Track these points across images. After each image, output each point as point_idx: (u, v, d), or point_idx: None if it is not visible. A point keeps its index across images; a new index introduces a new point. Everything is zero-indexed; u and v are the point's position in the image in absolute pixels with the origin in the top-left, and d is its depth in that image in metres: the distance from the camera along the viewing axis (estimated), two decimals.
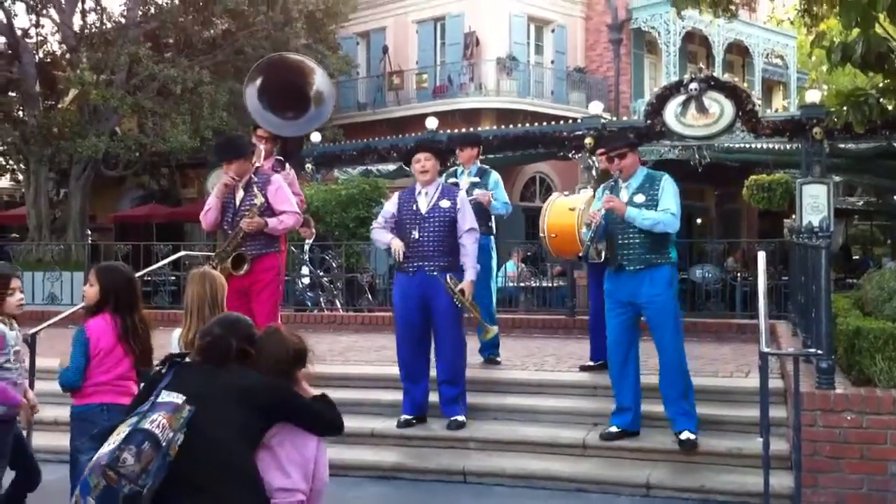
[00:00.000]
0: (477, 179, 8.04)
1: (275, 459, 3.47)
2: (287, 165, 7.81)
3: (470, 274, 6.71)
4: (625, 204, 6.24)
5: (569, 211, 7.57)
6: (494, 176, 8.16)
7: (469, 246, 6.72)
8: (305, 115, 8.00)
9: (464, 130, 17.14)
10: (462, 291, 6.62)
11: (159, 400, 3.23)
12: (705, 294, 12.87)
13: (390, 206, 6.95)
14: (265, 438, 3.46)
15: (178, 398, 3.22)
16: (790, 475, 5.67)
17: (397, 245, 6.72)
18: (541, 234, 7.63)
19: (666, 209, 6.21)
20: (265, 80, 7.96)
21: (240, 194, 6.93)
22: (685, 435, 6.17)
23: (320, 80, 8.06)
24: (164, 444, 3.09)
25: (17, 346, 4.89)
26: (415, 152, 6.89)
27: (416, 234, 6.69)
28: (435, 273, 6.63)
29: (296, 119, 7.98)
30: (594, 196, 7.33)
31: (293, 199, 7.09)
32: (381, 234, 6.89)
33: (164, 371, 3.43)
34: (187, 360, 3.52)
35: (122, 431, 3.14)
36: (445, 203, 6.73)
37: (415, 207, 6.76)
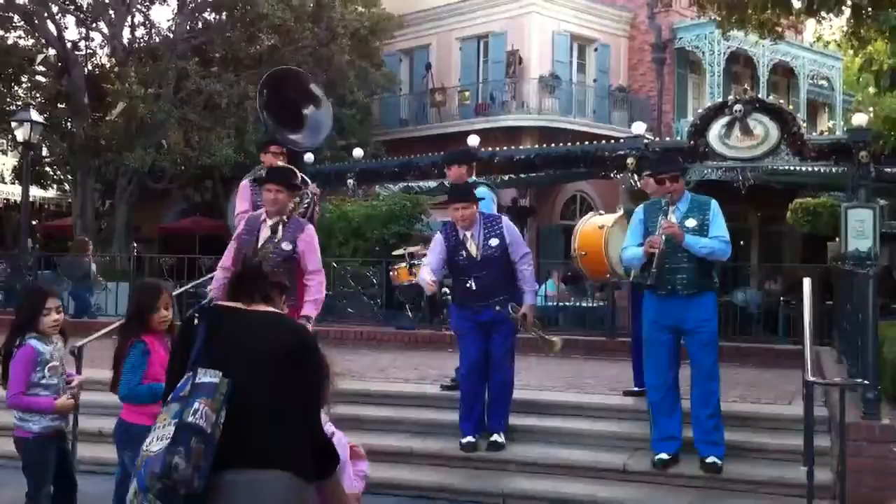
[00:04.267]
0: None
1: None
2: (308, 180, 7.64)
3: (529, 297, 6.76)
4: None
5: (597, 229, 7.57)
6: (482, 190, 7.53)
7: (525, 270, 6.75)
8: (303, 132, 8.10)
9: (504, 148, 17.18)
10: (524, 316, 6.65)
11: (198, 380, 2.99)
12: (747, 318, 12.74)
13: (437, 250, 6.82)
14: None
15: (215, 376, 2.99)
16: None
17: (426, 283, 6.63)
18: (572, 253, 7.67)
19: (718, 236, 6.20)
20: (272, 95, 8.04)
21: (265, 233, 6.33)
22: (711, 459, 6.15)
23: (315, 100, 8.15)
24: (209, 432, 2.91)
25: (53, 362, 4.90)
26: (452, 202, 6.80)
27: (472, 285, 6.68)
28: (499, 309, 6.66)
29: (297, 133, 8.08)
30: (625, 215, 7.35)
31: (320, 257, 6.53)
32: (423, 271, 6.79)
33: (197, 321, 3.19)
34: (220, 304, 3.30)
35: (166, 423, 2.98)
36: (494, 241, 6.71)
37: (465, 254, 6.72)
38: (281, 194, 6.27)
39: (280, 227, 6.29)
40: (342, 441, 3.56)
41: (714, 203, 6.38)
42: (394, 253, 7.77)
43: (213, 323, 3.16)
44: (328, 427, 3.46)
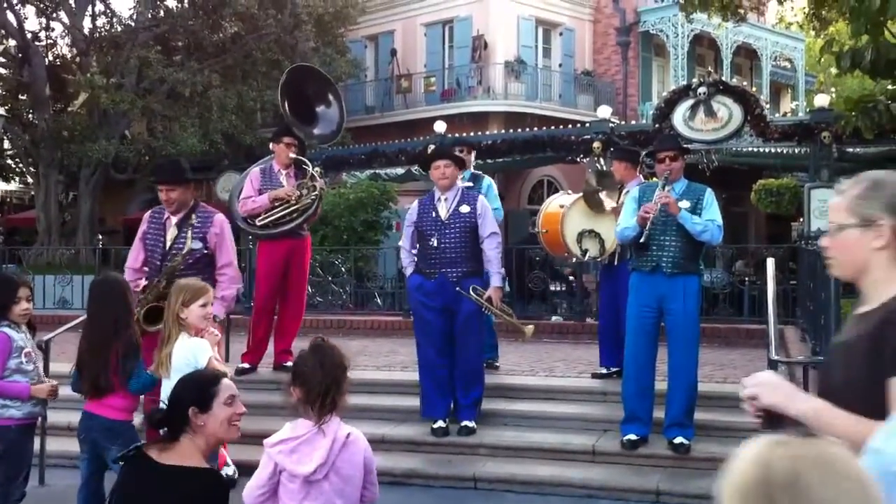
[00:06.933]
0: (470, 184, 8.02)
1: (323, 494, 3.37)
2: (316, 175, 7.69)
3: (496, 280, 6.74)
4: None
5: (559, 208, 7.74)
6: (487, 181, 8.06)
7: (491, 252, 6.75)
8: (318, 125, 8.14)
9: (471, 134, 17.17)
10: (489, 299, 6.66)
11: None
12: (713, 298, 12.84)
13: (411, 214, 6.99)
14: (311, 476, 3.36)
15: None
16: None
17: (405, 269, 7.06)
18: (535, 229, 7.89)
19: (712, 220, 6.25)
20: (294, 89, 8.06)
21: (172, 232, 5.93)
22: (680, 440, 6.24)
23: (327, 102, 8.20)
24: None
25: (26, 348, 4.94)
26: (434, 159, 6.91)
27: (434, 242, 6.71)
28: (456, 280, 6.66)
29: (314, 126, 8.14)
30: (585, 195, 7.50)
31: (233, 248, 6.16)
32: (406, 268, 7.06)
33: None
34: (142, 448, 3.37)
35: None
36: (465, 209, 6.75)
37: (434, 214, 6.78)
38: (173, 193, 5.86)
39: (187, 226, 5.88)
40: (358, 441, 3.52)
41: (709, 191, 6.43)
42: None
43: (125, 474, 3.35)
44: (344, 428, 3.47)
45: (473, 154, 8.41)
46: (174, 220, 5.91)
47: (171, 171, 6.05)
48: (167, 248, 5.87)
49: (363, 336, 10.92)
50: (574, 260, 7.94)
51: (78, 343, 4.91)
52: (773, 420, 2.28)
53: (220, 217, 6.08)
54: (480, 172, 8.33)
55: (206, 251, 5.89)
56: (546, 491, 6.15)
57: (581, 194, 7.79)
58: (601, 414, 6.98)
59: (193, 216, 5.91)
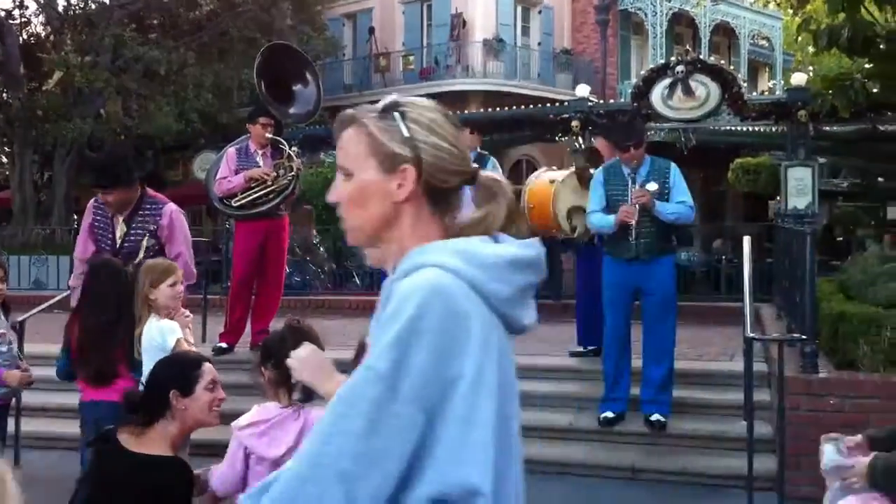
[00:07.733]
0: (475, 165, 8.00)
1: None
2: (293, 156, 7.62)
3: None
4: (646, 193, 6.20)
5: (549, 183, 7.67)
6: (492, 161, 8.05)
7: None
8: (294, 105, 8.06)
9: (450, 113, 17.11)
10: None
11: None
12: (690, 277, 12.91)
13: None
14: (281, 459, 3.21)
15: None
16: (773, 458, 5.73)
17: None
18: (520, 205, 7.78)
19: (683, 201, 6.24)
20: (271, 68, 7.96)
21: (121, 228, 5.50)
22: (655, 417, 6.28)
23: (304, 80, 8.10)
24: None
25: (0, 329, 4.90)
26: None
27: None
28: None
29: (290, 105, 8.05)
30: (576, 171, 7.44)
31: (187, 240, 5.67)
32: None
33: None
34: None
35: None
36: None
37: None
38: (110, 196, 5.41)
39: (135, 223, 5.50)
40: None
41: (674, 167, 6.40)
42: None
43: (96, 462, 3.31)
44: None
45: (479, 136, 8.34)
46: (120, 217, 5.52)
47: (107, 173, 5.48)
48: (118, 245, 5.50)
49: (342, 316, 10.90)
50: (561, 237, 7.87)
51: (69, 327, 4.70)
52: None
53: (170, 208, 5.60)
54: (486, 153, 8.27)
55: (157, 247, 5.50)
56: (524, 468, 6.16)
57: (573, 170, 7.76)
58: (578, 391, 7.01)
59: (141, 212, 5.51)
